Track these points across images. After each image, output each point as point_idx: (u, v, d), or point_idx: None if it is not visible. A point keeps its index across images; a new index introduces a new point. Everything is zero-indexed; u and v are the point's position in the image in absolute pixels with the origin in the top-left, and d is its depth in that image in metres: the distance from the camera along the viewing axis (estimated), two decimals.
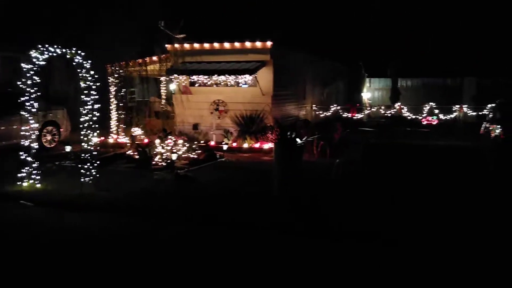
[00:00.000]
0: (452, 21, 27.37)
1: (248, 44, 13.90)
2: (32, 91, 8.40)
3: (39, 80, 8.51)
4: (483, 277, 4.93)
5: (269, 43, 13.72)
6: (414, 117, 19.72)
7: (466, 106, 19.07)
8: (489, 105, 15.75)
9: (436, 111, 19.67)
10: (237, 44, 14.07)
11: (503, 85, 23.15)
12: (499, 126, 10.04)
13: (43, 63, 8.49)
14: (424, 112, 19.84)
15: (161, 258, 5.47)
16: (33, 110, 8.47)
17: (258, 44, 13.80)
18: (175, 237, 6.20)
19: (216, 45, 14.30)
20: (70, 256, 5.53)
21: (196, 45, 14.44)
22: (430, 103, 20.03)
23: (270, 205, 7.37)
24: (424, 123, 19.35)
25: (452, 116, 18.72)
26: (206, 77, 14.23)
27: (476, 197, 8.04)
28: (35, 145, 8.59)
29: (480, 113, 15.95)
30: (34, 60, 8.37)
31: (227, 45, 14.18)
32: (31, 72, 8.37)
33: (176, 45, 14.30)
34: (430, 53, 28.72)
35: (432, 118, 19.57)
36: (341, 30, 26.73)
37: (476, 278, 4.91)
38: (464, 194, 8.25)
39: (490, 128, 10.70)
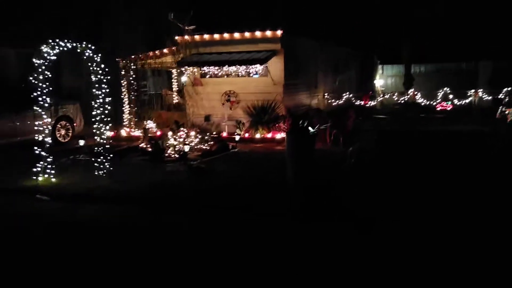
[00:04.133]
0: (466, 4, 26.84)
1: (258, 34, 13.80)
2: (44, 86, 8.46)
3: (51, 75, 8.57)
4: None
5: (279, 32, 13.60)
6: (428, 103, 19.50)
7: (481, 90, 18.75)
8: (506, 89, 15.49)
9: (451, 96, 19.41)
10: (247, 34, 13.98)
11: None
12: None
13: (54, 57, 8.54)
14: (438, 97, 19.59)
15: (176, 247, 5.49)
16: (46, 105, 8.54)
17: (269, 33, 13.69)
18: (190, 227, 6.21)
19: (226, 35, 14.23)
20: (84, 246, 5.59)
21: (206, 36, 14.39)
22: (445, 88, 19.76)
23: (284, 195, 7.33)
24: (439, 108, 19.12)
25: (467, 101, 18.43)
26: (216, 68, 14.17)
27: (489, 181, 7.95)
28: (49, 140, 8.67)
29: (496, 97, 15.65)
30: (45, 55, 8.42)
31: (237, 35, 14.10)
32: (43, 67, 8.43)
33: (186, 37, 14.29)
34: (444, 37, 28.23)
35: (447, 104, 19.32)
36: (353, 16, 26.37)
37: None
38: (477, 179, 8.15)
39: (507, 112, 10.51)
